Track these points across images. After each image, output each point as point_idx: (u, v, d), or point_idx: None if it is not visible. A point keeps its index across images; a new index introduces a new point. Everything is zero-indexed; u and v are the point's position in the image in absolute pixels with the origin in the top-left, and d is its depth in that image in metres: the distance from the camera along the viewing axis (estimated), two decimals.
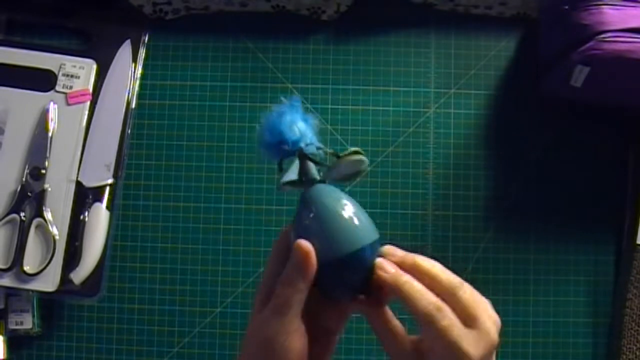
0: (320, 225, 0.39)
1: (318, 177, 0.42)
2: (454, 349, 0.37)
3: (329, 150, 0.42)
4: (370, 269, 0.40)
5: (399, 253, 0.41)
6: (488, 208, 0.70)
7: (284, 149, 0.41)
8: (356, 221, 0.40)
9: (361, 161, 0.42)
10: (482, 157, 0.70)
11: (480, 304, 0.39)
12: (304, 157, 0.42)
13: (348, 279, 0.40)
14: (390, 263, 0.40)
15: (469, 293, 0.39)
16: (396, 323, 0.41)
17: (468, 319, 0.38)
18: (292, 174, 0.42)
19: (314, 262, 0.39)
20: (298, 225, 0.41)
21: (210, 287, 0.68)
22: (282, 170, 0.42)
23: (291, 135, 0.41)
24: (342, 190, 0.42)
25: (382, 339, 0.41)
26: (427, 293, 0.38)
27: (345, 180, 0.44)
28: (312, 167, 0.42)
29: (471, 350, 0.37)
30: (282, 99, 0.42)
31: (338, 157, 0.41)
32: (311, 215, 0.40)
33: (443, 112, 0.71)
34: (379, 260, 0.40)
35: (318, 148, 0.42)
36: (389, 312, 0.41)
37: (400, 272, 0.39)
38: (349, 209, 0.40)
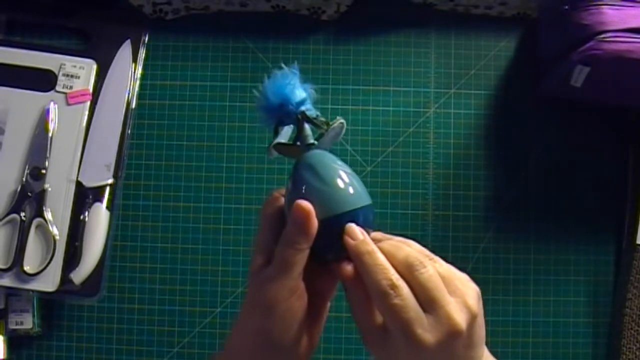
0: (319, 185, 0.40)
1: (315, 142, 0.43)
2: (405, 332, 0.36)
3: (322, 118, 0.43)
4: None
5: (380, 236, 0.41)
6: (488, 208, 0.70)
7: (284, 111, 0.42)
8: (351, 184, 0.41)
9: (343, 125, 0.44)
10: (482, 157, 0.70)
11: (439, 286, 0.37)
12: (305, 119, 0.43)
13: (341, 239, 0.40)
14: (361, 231, 0.39)
15: (429, 274, 0.37)
16: (368, 295, 0.40)
17: (426, 302, 0.37)
18: (283, 139, 0.44)
19: (315, 221, 0.39)
20: (295, 188, 0.41)
21: (210, 287, 0.68)
22: (277, 134, 0.43)
23: (294, 97, 0.42)
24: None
25: (354, 308, 0.40)
26: (387, 269, 0.37)
27: (329, 146, 0.45)
28: (310, 131, 0.43)
29: (425, 335, 0.36)
30: (282, 65, 0.42)
31: (328, 124, 0.43)
32: (310, 176, 0.41)
33: (443, 112, 0.71)
34: (349, 225, 0.40)
35: (316, 115, 0.43)
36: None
37: (367, 241, 0.39)
38: (344, 173, 0.41)
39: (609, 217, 0.70)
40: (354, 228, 0.39)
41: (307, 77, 0.71)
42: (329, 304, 0.44)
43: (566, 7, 0.62)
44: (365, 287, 0.39)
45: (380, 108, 0.71)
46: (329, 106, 0.71)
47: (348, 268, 0.40)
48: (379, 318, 0.40)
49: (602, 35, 0.59)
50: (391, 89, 0.71)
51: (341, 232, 0.40)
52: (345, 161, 0.43)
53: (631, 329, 0.67)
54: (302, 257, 0.39)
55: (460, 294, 0.38)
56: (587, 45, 0.60)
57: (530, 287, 0.69)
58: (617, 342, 0.67)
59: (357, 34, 0.72)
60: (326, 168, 0.41)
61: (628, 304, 0.67)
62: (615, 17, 0.60)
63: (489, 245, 0.69)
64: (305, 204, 0.39)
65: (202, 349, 0.67)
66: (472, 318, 0.37)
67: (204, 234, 0.69)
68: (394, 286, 0.37)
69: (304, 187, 0.41)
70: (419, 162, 0.70)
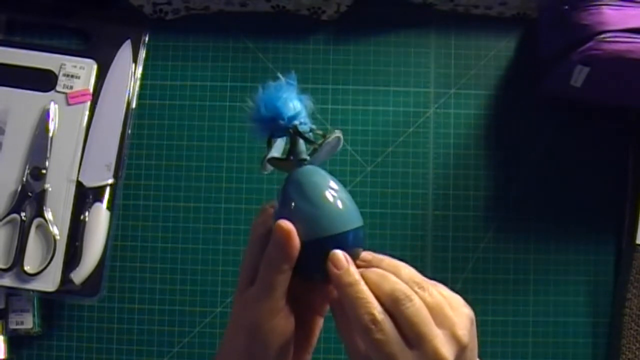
0: (306, 206, 0.39)
1: (308, 158, 0.42)
2: None
3: (319, 131, 0.42)
4: (350, 254, 0.39)
5: (370, 257, 0.40)
6: (488, 208, 0.70)
7: (277, 125, 0.40)
8: (342, 205, 0.39)
9: (339, 139, 0.42)
10: (482, 157, 0.70)
11: (425, 320, 0.36)
12: (297, 134, 0.41)
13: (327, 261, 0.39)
14: (346, 259, 0.38)
15: (415, 307, 0.36)
16: None
17: (412, 337, 0.36)
18: (276, 152, 0.42)
19: (296, 242, 0.38)
20: (283, 206, 0.40)
21: (210, 287, 0.68)
22: (270, 147, 0.42)
23: (287, 111, 0.40)
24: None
25: (340, 330, 0.40)
26: (370, 303, 0.36)
27: (325, 159, 0.44)
28: (303, 146, 0.42)
29: None
30: (279, 75, 0.41)
31: (324, 136, 0.41)
32: (298, 195, 0.40)
33: (443, 112, 0.71)
34: (333, 252, 0.38)
35: (311, 129, 0.42)
36: None
37: (351, 272, 0.37)
38: (336, 192, 0.40)
39: (609, 217, 0.70)
40: (338, 256, 0.38)
41: (306, 78, 0.71)
42: (321, 320, 0.43)
43: (566, 7, 0.62)
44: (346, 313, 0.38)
45: (380, 108, 0.71)
46: (329, 106, 0.71)
47: (334, 292, 0.39)
48: (363, 345, 0.39)
49: (602, 35, 0.59)
50: (391, 89, 0.71)
51: (327, 254, 0.38)
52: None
53: (631, 329, 0.67)
54: (284, 279, 0.38)
55: (449, 324, 0.37)
56: (587, 45, 0.60)
57: (530, 287, 0.69)
58: (617, 342, 0.67)
59: (357, 34, 0.72)
60: (315, 188, 0.40)
61: (628, 304, 0.67)
62: (615, 17, 0.60)
63: (489, 245, 0.69)
64: (286, 224, 0.38)
65: (202, 349, 0.67)
66: (461, 349, 0.37)
67: (204, 234, 0.69)
68: (375, 321, 0.35)
69: (291, 206, 0.39)
70: (419, 162, 0.70)
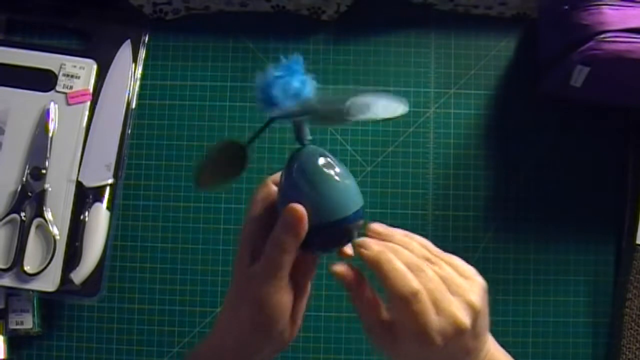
0: (312, 189, 0.40)
1: (310, 138, 0.41)
2: (421, 334, 0.38)
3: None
4: (352, 233, 0.41)
5: (382, 230, 0.43)
6: (488, 208, 0.70)
7: (275, 112, 0.40)
8: (346, 188, 0.40)
9: (355, 93, 0.40)
10: (482, 157, 0.70)
11: (438, 287, 0.39)
12: (297, 121, 0.41)
13: (331, 242, 0.41)
14: (373, 241, 0.41)
15: (428, 277, 0.39)
16: (372, 294, 0.42)
17: (434, 303, 0.39)
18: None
19: (306, 226, 0.39)
20: (288, 185, 0.41)
21: (210, 287, 0.68)
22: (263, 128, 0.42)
23: (284, 99, 0.39)
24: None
25: (359, 307, 0.42)
26: (406, 275, 0.39)
27: (331, 120, 0.43)
28: (307, 129, 0.41)
29: (437, 337, 0.38)
30: (283, 58, 0.40)
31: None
32: (303, 177, 0.40)
33: (443, 112, 0.71)
34: (361, 239, 0.41)
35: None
36: (367, 284, 0.42)
37: (382, 249, 0.40)
38: (340, 175, 0.40)
39: (609, 217, 0.70)
40: (367, 241, 0.41)
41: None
42: (310, 284, 0.45)
43: (566, 7, 0.62)
44: (367, 288, 0.41)
45: None
46: None
47: (351, 273, 0.41)
48: (384, 315, 0.42)
49: (602, 35, 0.59)
50: (391, 89, 0.71)
51: (334, 236, 0.41)
52: (345, 162, 0.43)
53: (631, 329, 0.67)
54: (291, 259, 0.40)
55: (461, 292, 0.40)
56: (587, 45, 0.60)
57: (530, 287, 0.69)
58: (617, 342, 0.67)
59: (357, 34, 0.72)
60: (321, 173, 0.40)
61: (628, 304, 0.67)
62: (615, 17, 0.60)
63: (489, 245, 0.69)
64: (300, 209, 0.39)
65: None
66: (476, 313, 0.39)
67: (204, 234, 0.69)
68: (414, 293, 0.38)
69: (295, 187, 0.40)
70: (419, 162, 0.70)
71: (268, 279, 0.40)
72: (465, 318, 0.39)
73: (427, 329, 0.38)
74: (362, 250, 0.40)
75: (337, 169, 0.41)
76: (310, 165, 0.40)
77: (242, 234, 0.43)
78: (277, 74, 0.39)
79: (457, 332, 0.39)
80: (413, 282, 0.39)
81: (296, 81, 0.39)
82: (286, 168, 0.41)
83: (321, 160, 0.41)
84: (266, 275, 0.40)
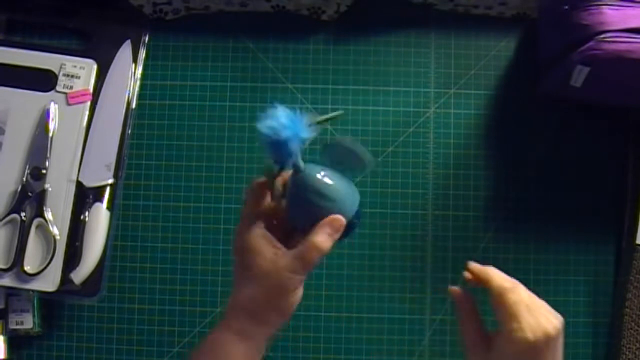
0: (328, 200, 0.46)
1: (303, 167, 0.45)
2: (515, 329, 0.44)
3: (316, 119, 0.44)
4: (356, 223, 0.48)
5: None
6: (488, 208, 0.70)
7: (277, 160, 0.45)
8: (347, 193, 0.47)
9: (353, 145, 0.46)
10: (482, 157, 0.70)
11: (534, 297, 0.48)
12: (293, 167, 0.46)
13: (343, 235, 0.47)
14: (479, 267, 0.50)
15: (523, 288, 0.48)
16: (478, 314, 0.49)
17: (527, 305, 0.46)
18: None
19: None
20: (300, 203, 0.46)
21: (210, 287, 0.68)
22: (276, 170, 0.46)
23: (280, 154, 0.43)
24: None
25: (463, 324, 0.50)
26: (506, 276, 0.48)
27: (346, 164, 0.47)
28: (302, 164, 0.45)
29: (529, 332, 0.44)
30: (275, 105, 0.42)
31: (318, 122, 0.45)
32: (317, 194, 0.45)
33: (443, 112, 0.71)
34: (471, 264, 0.50)
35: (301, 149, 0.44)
36: (473, 301, 0.50)
37: (487, 267, 0.50)
38: (340, 179, 0.46)
39: (609, 217, 0.70)
40: (473, 263, 0.50)
41: (306, 78, 0.71)
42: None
43: (566, 7, 0.62)
44: (471, 308, 0.50)
45: (380, 108, 0.71)
46: (329, 106, 0.71)
47: (460, 291, 0.50)
48: (483, 328, 0.49)
49: (602, 35, 0.59)
50: (391, 89, 0.71)
51: (345, 230, 0.47)
52: None
53: (631, 329, 0.67)
54: (321, 259, 0.46)
55: (548, 309, 0.47)
56: (587, 45, 0.60)
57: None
58: (617, 342, 0.67)
59: (357, 34, 0.72)
60: (329, 185, 0.45)
61: (628, 304, 0.67)
62: (615, 17, 0.60)
63: (489, 245, 0.69)
64: (342, 218, 0.46)
65: None
66: (558, 330, 0.45)
67: (204, 234, 0.69)
68: (513, 284, 0.47)
69: (313, 206, 0.45)
70: (419, 162, 0.70)
71: (300, 274, 0.45)
72: (551, 324, 0.45)
73: (520, 318, 0.44)
74: (473, 266, 0.50)
75: (335, 174, 0.46)
76: (318, 183, 0.45)
77: (244, 211, 0.49)
78: (284, 135, 0.42)
79: (544, 334, 0.44)
80: (512, 280, 0.47)
81: (304, 133, 0.43)
82: (294, 189, 0.46)
83: (322, 174, 0.46)
84: (299, 270, 0.45)
